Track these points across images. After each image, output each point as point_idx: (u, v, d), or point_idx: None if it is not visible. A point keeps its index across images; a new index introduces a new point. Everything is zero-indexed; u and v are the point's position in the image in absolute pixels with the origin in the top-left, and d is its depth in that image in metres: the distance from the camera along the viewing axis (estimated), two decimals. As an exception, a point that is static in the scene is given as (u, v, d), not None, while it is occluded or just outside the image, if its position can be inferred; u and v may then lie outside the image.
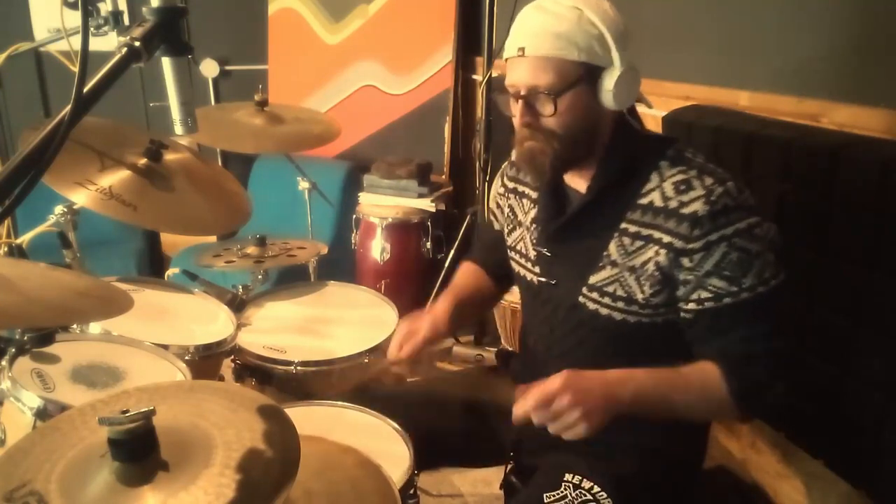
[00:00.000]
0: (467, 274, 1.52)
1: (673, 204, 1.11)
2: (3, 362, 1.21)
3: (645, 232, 1.13)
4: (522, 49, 1.11)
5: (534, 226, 1.32)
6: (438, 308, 1.38)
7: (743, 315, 1.09)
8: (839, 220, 1.28)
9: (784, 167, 1.40)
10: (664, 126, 1.70)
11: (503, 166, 1.48)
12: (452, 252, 2.70)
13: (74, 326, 1.44)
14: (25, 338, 1.14)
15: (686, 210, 1.09)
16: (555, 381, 1.04)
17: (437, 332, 1.34)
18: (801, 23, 1.53)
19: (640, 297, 1.15)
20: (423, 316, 1.36)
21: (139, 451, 0.73)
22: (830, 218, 1.30)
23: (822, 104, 1.45)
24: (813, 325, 1.35)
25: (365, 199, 2.96)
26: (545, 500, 1.16)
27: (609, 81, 1.10)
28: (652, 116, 1.27)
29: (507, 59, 1.17)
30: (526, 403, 1.03)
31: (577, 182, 1.24)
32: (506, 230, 1.41)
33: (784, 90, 1.56)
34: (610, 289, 1.17)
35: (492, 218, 1.51)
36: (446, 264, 2.69)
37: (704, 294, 1.10)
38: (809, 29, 1.51)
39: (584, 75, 1.11)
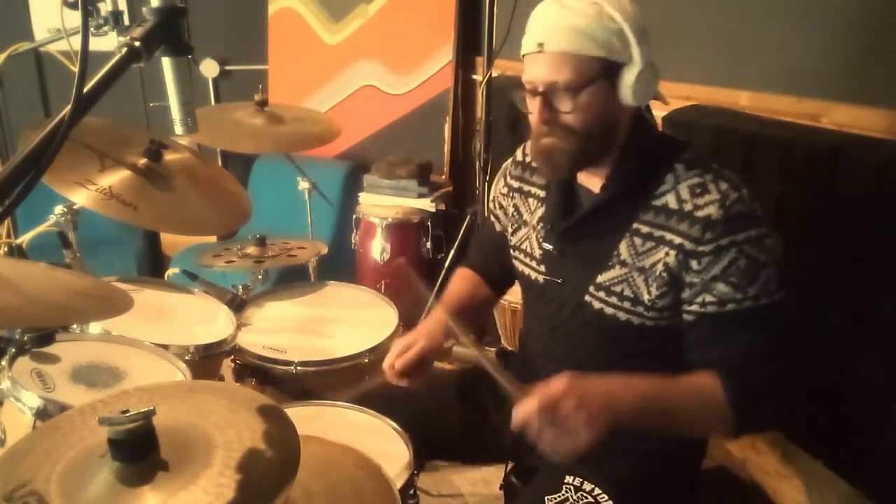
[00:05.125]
0: (463, 280, 1.50)
1: (688, 206, 1.10)
2: (3, 362, 1.21)
3: (657, 233, 1.13)
4: (541, 45, 1.10)
5: (541, 225, 1.31)
6: (433, 319, 1.35)
7: (744, 324, 1.08)
8: (839, 220, 1.28)
9: (784, 167, 1.40)
10: (664, 126, 1.70)
11: (505, 165, 1.46)
12: (452, 252, 2.70)
13: (74, 326, 1.44)
14: (25, 338, 1.14)
15: (700, 213, 1.08)
16: (558, 384, 0.98)
17: (433, 344, 1.31)
18: (802, 23, 1.53)
19: (646, 298, 1.14)
20: (419, 329, 1.33)
21: (139, 451, 0.73)
22: (830, 218, 1.30)
23: (822, 104, 1.46)
24: (813, 325, 1.35)
25: (365, 199, 2.95)
26: (546, 503, 1.16)
27: (629, 77, 1.09)
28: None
29: (524, 56, 1.15)
30: (530, 405, 0.97)
31: (590, 181, 1.23)
32: (509, 230, 1.40)
33: (784, 90, 1.56)
34: (617, 288, 1.17)
35: (492, 219, 1.49)
36: (446, 264, 2.69)
37: (709, 298, 1.09)
38: (809, 29, 1.51)
39: (603, 71, 1.09)
